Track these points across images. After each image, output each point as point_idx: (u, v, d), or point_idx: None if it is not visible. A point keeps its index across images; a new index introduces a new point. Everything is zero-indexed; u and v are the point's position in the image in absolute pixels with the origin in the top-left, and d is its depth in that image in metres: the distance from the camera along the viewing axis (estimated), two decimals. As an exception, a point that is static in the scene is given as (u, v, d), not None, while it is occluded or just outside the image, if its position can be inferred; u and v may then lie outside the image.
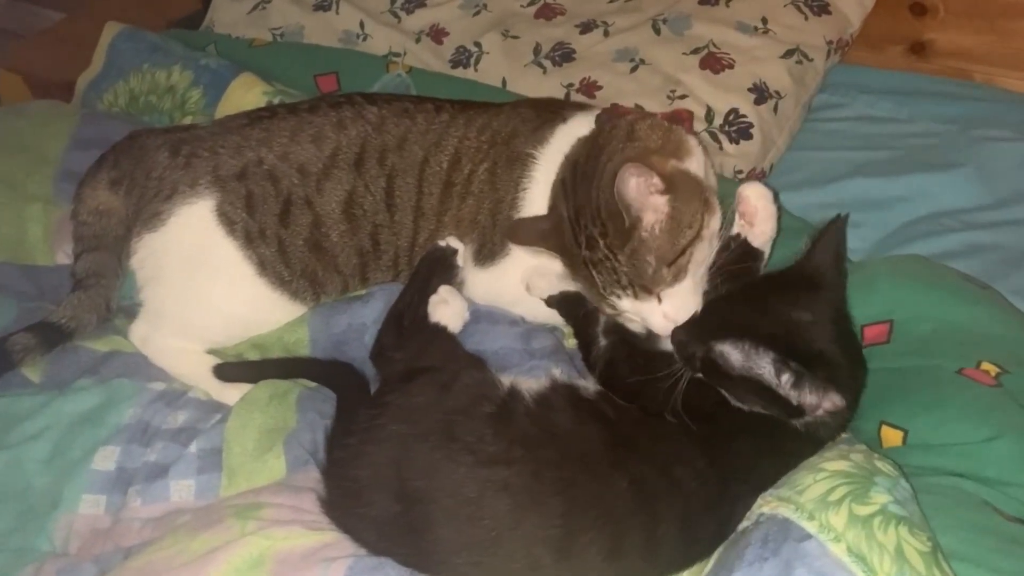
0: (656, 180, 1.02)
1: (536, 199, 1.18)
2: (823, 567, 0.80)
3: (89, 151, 1.38)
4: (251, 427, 1.11)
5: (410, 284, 1.20)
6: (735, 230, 1.15)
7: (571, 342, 1.23)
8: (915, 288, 1.16)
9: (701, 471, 0.97)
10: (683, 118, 1.18)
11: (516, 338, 1.19)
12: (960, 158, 1.62)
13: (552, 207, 1.14)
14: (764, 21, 1.77)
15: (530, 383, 1.05)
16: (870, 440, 1.04)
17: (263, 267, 1.22)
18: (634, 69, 1.72)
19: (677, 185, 1.05)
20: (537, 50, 1.79)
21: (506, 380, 1.05)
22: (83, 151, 1.43)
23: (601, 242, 1.06)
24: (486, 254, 1.23)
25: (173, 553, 0.98)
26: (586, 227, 1.07)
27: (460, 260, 1.22)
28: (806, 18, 1.78)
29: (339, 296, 1.27)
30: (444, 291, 1.18)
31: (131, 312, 1.28)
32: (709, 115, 1.65)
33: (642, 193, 1.03)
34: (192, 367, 1.22)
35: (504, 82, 1.76)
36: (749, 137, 1.64)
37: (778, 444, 0.99)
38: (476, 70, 1.79)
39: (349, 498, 0.99)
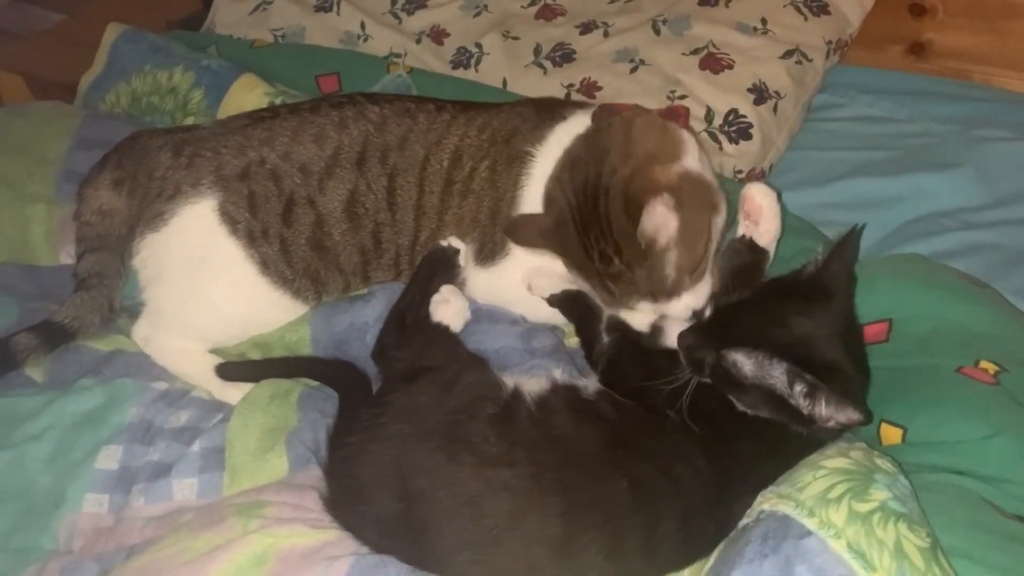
0: (667, 198, 1.03)
1: (534, 196, 1.18)
2: (823, 564, 0.81)
3: (91, 152, 1.39)
4: (253, 426, 1.11)
5: (412, 283, 1.20)
6: (740, 231, 1.16)
7: (572, 341, 1.24)
8: (914, 287, 1.17)
9: (701, 470, 0.97)
10: (679, 114, 1.19)
11: (517, 337, 1.19)
12: (959, 158, 1.63)
13: (549, 203, 1.14)
14: (764, 22, 1.77)
15: (531, 384, 1.05)
16: (869, 438, 1.05)
17: (266, 266, 1.22)
18: (634, 69, 1.73)
19: (685, 194, 1.06)
20: (537, 51, 1.79)
21: (509, 381, 1.05)
22: (85, 152, 1.44)
23: (616, 259, 1.07)
24: (487, 254, 1.23)
25: (176, 551, 0.99)
26: (597, 242, 1.08)
27: (462, 260, 1.22)
28: (805, 19, 1.78)
29: (341, 295, 1.27)
30: (446, 290, 1.19)
31: (134, 312, 1.28)
32: (709, 115, 1.65)
33: (656, 217, 1.03)
34: (194, 366, 1.23)
35: (505, 83, 1.76)
36: (749, 137, 1.65)
37: (779, 444, 0.99)
38: (477, 71, 1.80)
39: (351, 496, 1.00)
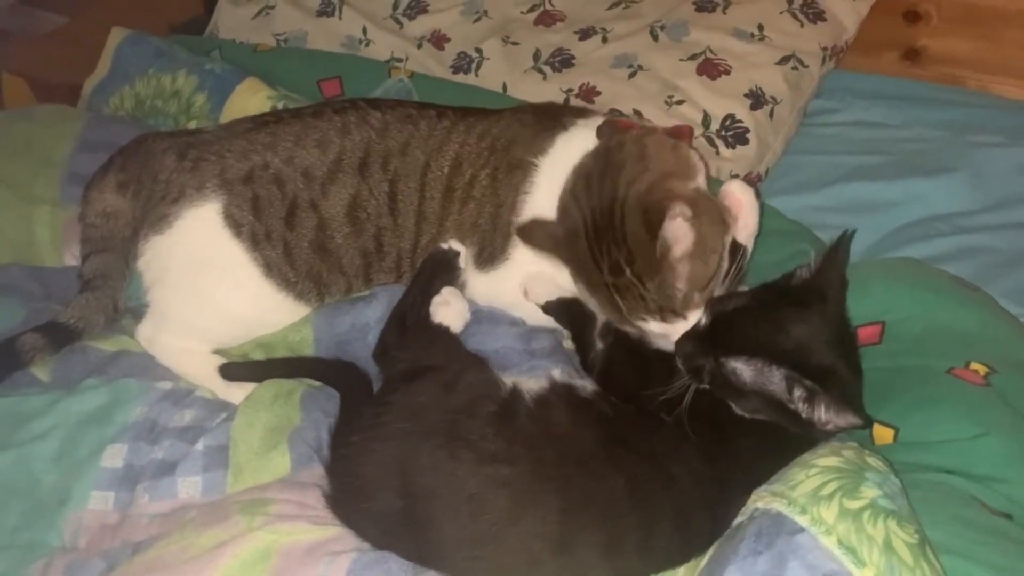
0: (687, 209, 1.04)
1: (536, 204, 1.20)
2: (815, 559, 0.82)
3: (96, 154, 1.40)
4: (257, 425, 1.13)
5: (413, 285, 1.21)
6: None
7: (570, 342, 1.25)
8: (907, 290, 1.18)
9: (697, 469, 0.99)
10: (684, 133, 1.20)
11: (516, 338, 1.20)
12: (953, 163, 1.65)
13: (563, 214, 1.15)
14: (760, 28, 1.79)
15: (530, 383, 1.06)
16: (862, 438, 1.06)
17: (269, 268, 1.23)
18: (632, 75, 1.75)
19: (700, 209, 1.07)
20: (537, 56, 1.81)
21: (508, 380, 1.06)
22: (90, 154, 1.45)
23: (628, 269, 1.07)
24: (486, 258, 1.24)
25: (181, 548, 1.00)
26: (609, 252, 1.08)
27: (462, 262, 1.23)
28: (802, 25, 1.80)
29: (343, 297, 1.29)
30: (447, 292, 1.20)
31: (138, 313, 1.29)
32: (706, 120, 1.67)
33: (675, 227, 1.04)
34: (198, 367, 1.24)
35: (504, 87, 1.78)
36: (745, 142, 1.67)
37: (774, 444, 1.01)
38: (477, 75, 1.82)
39: (353, 494, 1.01)
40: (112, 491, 1.10)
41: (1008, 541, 0.90)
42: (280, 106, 1.55)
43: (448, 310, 1.18)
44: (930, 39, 1.90)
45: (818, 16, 1.82)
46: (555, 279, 1.20)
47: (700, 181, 1.14)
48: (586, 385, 1.10)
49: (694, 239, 1.06)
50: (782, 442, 1.01)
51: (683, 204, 1.03)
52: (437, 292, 1.20)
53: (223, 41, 1.93)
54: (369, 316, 1.23)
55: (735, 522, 0.94)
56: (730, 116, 1.68)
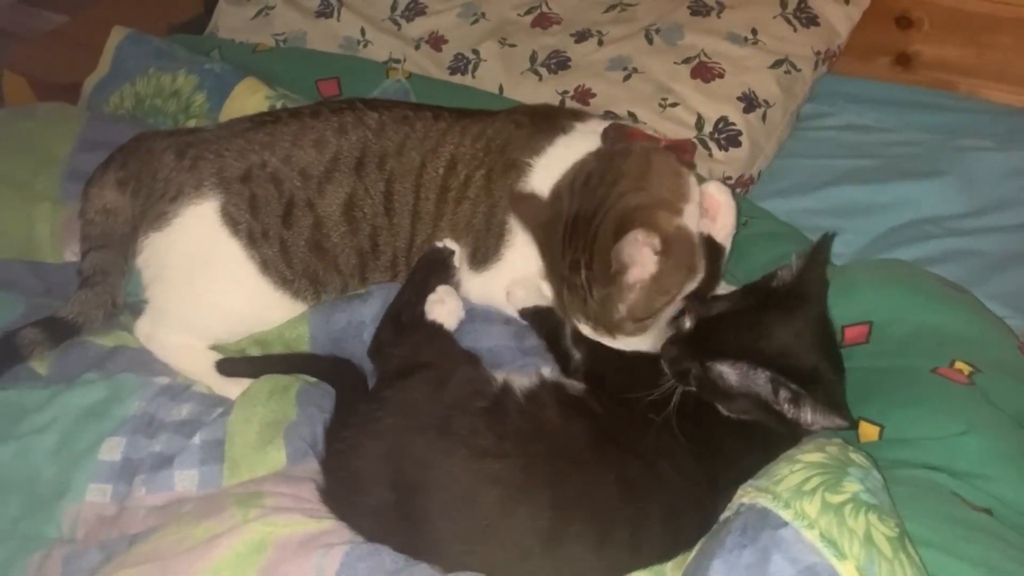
0: (656, 241, 1.06)
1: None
2: (798, 553, 0.84)
3: (96, 152, 1.41)
4: (253, 420, 1.14)
5: (408, 283, 1.23)
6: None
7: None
8: (893, 291, 1.20)
9: (685, 466, 1.00)
10: (685, 149, 1.21)
11: (509, 336, 1.22)
12: (943, 167, 1.66)
13: (553, 199, 1.17)
14: (754, 32, 1.81)
15: (522, 380, 1.08)
16: (848, 435, 1.07)
17: (266, 266, 1.24)
18: (627, 77, 1.76)
19: (673, 249, 1.09)
20: (533, 58, 1.83)
21: (499, 377, 1.07)
22: (90, 152, 1.46)
23: (583, 272, 1.10)
24: (480, 258, 1.26)
25: (178, 539, 1.01)
26: (575, 249, 1.11)
27: (457, 261, 1.25)
28: (795, 29, 1.82)
29: (339, 295, 1.30)
30: (441, 291, 1.21)
31: (136, 309, 1.30)
32: (699, 123, 1.69)
33: (638, 251, 1.07)
34: (195, 362, 1.25)
35: (501, 89, 1.79)
36: (738, 145, 1.68)
37: (760, 442, 1.02)
38: (474, 77, 1.83)
39: (347, 488, 1.03)
40: (110, 484, 1.12)
41: (987, 535, 0.92)
42: (279, 106, 1.56)
43: (442, 308, 1.20)
44: (922, 45, 1.91)
45: (811, 21, 1.83)
46: (540, 287, 1.21)
47: (688, 216, 1.15)
48: (576, 383, 1.11)
49: (653, 273, 1.09)
50: (768, 440, 1.02)
51: (655, 236, 1.06)
52: (432, 290, 1.21)
53: (223, 41, 1.94)
54: (365, 314, 1.24)
55: (722, 517, 0.95)
56: (723, 119, 1.69)
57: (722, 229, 1.17)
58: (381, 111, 1.30)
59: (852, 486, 0.88)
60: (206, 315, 1.27)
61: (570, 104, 1.73)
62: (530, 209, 1.17)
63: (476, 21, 1.93)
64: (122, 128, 1.51)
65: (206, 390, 1.23)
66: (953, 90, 1.89)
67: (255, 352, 1.27)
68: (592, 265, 1.10)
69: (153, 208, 1.26)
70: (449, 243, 1.25)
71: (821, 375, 0.99)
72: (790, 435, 1.02)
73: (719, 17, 1.85)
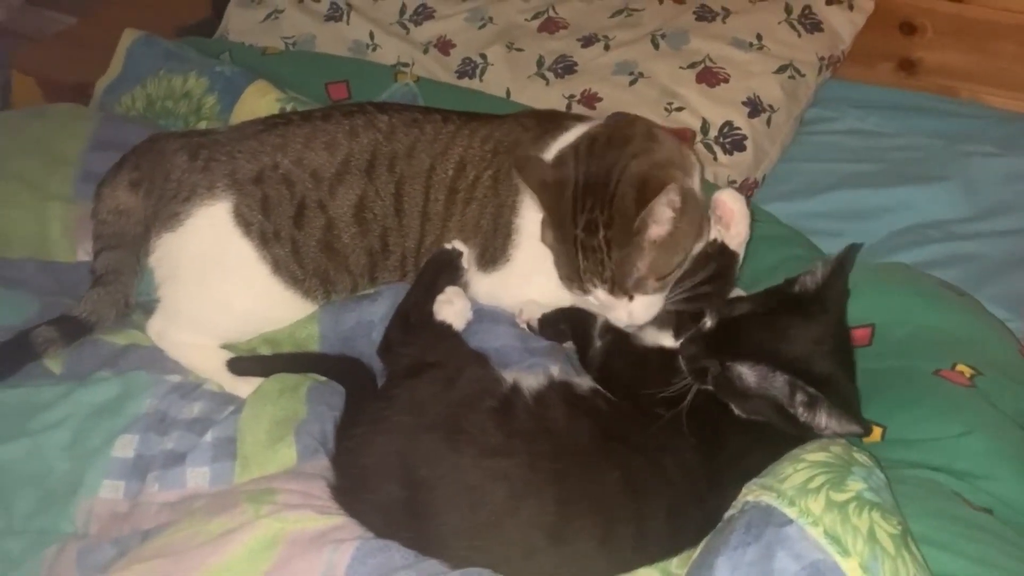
0: (678, 199, 1.08)
1: (533, 205, 1.22)
2: (802, 550, 0.85)
3: (108, 153, 1.42)
4: (263, 418, 1.15)
5: (417, 284, 1.24)
6: (712, 235, 1.19)
7: (569, 342, 1.28)
8: (896, 294, 1.22)
9: (691, 465, 1.01)
10: (684, 137, 1.24)
11: (516, 336, 1.23)
12: (945, 171, 1.68)
13: (558, 163, 1.17)
14: (759, 37, 1.83)
15: (529, 380, 1.09)
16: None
17: (277, 267, 1.26)
18: (633, 82, 1.78)
19: (687, 206, 1.11)
20: (540, 62, 1.84)
21: (508, 376, 1.09)
22: (102, 152, 1.47)
23: (602, 232, 1.10)
24: (488, 259, 1.27)
25: (190, 535, 1.02)
26: (591, 210, 1.11)
27: (465, 263, 1.26)
28: (799, 35, 1.84)
29: (349, 295, 1.31)
30: (450, 291, 1.22)
31: (148, 308, 1.31)
32: (704, 127, 1.70)
33: (666, 208, 1.08)
34: (206, 361, 1.26)
35: (508, 92, 1.81)
36: (743, 149, 1.70)
37: (767, 442, 1.03)
38: (481, 81, 1.84)
39: (357, 485, 1.04)
40: (123, 480, 1.13)
41: (987, 534, 0.94)
42: (288, 108, 1.57)
43: (451, 308, 1.21)
44: (925, 51, 1.92)
45: (815, 27, 1.85)
46: (548, 302, 1.22)
47: (695, 182, 1.18)
48: (583, 383, 1.12)
49: (670, 231, 1.10)
50: (774, 440, 1.03)
51: (677, 193, 1.07)
52: (440, 291, 1.22)
53: (233, 44, 1.96)
54: (374, 313, 1.25)
55: (727, 515, 0.96)
56: (728, 123, 1.71)
57: (736, 237, 1.18)
58: (391, 114, 1.31)
59: (856, 485, 0.89)
60: (217, 314, 1.28)
61: (576, 108, 1.75)
62: (534, 171, 1.16)
63: (484, 25, 1.94)
64: (134, 129, 1.53)
65: (217, 388, 1.24)
66: (955, 96, 1.91)
67: (265, 351, 1.29)
68: (611, 226, 1.10)
69: (166, 208, 1.27)
70: (458, 244, 1.27)
71: (837, 382, 1.00)
72: (798, 437, 1.03)
73: (724, 23, 1.86)
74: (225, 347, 1.29)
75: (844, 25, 1.87)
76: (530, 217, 1.23)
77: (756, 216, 1.41)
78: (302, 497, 1.05)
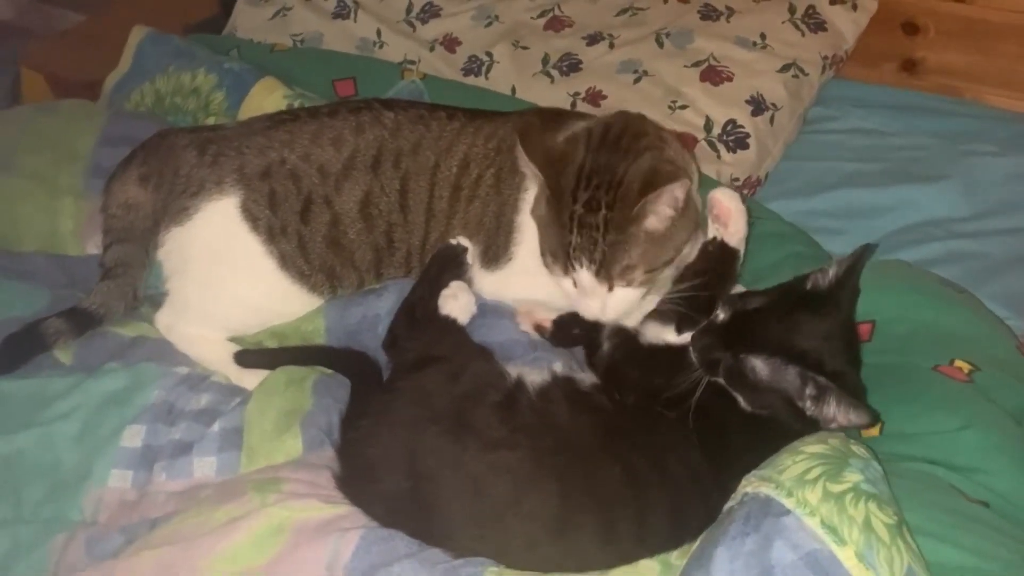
0: (682, 196, 1.09)
1: (534, 182, 1.22)
2: (799, 539, 0.86)
3: (118, 148, 1.44)
4: (270, 409, 1.16)
5: (422, 279, 1.25)
6: (711, 233, 1.20)
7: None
8: (896, 291, 1.23)
9: (691, 460, 1.03)
10: (687, 143, 1.25)
11: (520, 331, 1.24)
12: (947, 171, 1.68)
13: (568, 141, 1.18)
14: (763, 37, 1.83)
15: (533, 375, 1.10)
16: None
17: (284, 261, 1.27)
18: (637, 80, 1.79)
19: (687, 208, 1.13)
20: (545, 60, 1.85)
21: (512, 371, 1.10)
22: (112, 148, 1.48)
23: (603, 212, 1.11)
24: (491, 257, 1.28)
25: (197, 523, 1.04)
26: (596, 188, 1.11)
27: (469, 258, 1.27)
28: (803, 35, 1.84)
29: (355, 290, 1.32)
30: (454, 286, 1.23)
31: (157, 301, 1.33)
32: (708, 125, 1.71)
33: (669, 203, 1.09)
34: (214, 354, 1.28)
35: (513, 90, 1.82)
36: (746, 147, 1.70)
37: (768, 436, 1.04)
38: (487, 78, 1.86)
39: (362, 475, 1.05)
40: (131, 469, 1.14)
41: (982, 526, 0.95)
42: (296, 105, 1.58)
43: (455, 303, 1.22)
44: (927, 51, 1.93)
45: (819, 26, 1.86)
46: (550, 296, 1.22)
47: (695, 188, 1.20)
48: (585, 379, 1.13)
49: (667, 226, 1.11)
50: (776, 433, 1.04)
51: (683, 191, 1.08)
52: (445, 285, 1.23)
53: (241, 41, 1.97)
54: (379, 308, 1.26)
55: (726, 506, 0.98)
56: (731, 121, 1.72)
57: (735, 234, 1.19)
58: (397, 111, 1.32)
59: (853, 476, 0.90)
60: (225, 308, 1.29)
61: (581, 106, 1.76)
62: (538, 144, 1.16)
63: (490, 24, 1.95)
64: (144, 124, 1.54)
65: (224, 380, 1.25)
66: (957, 96, 1.91)
67: (272, 344, 1.30)
68: (613, 207, 1.10)
69: (175, 203, 1.28)
70: (462, 240, 1.28)
71: (846, 376, 1.01)
72: (801, 431, 1.03)
73: (728, 22, 1.87)
74: (232, 340, 1.30)
75: (847, 25, 1.88)
76: (529, 215, 1.23)
77: (757, 213, 1.43)
78: (308, 487, 1.07)
